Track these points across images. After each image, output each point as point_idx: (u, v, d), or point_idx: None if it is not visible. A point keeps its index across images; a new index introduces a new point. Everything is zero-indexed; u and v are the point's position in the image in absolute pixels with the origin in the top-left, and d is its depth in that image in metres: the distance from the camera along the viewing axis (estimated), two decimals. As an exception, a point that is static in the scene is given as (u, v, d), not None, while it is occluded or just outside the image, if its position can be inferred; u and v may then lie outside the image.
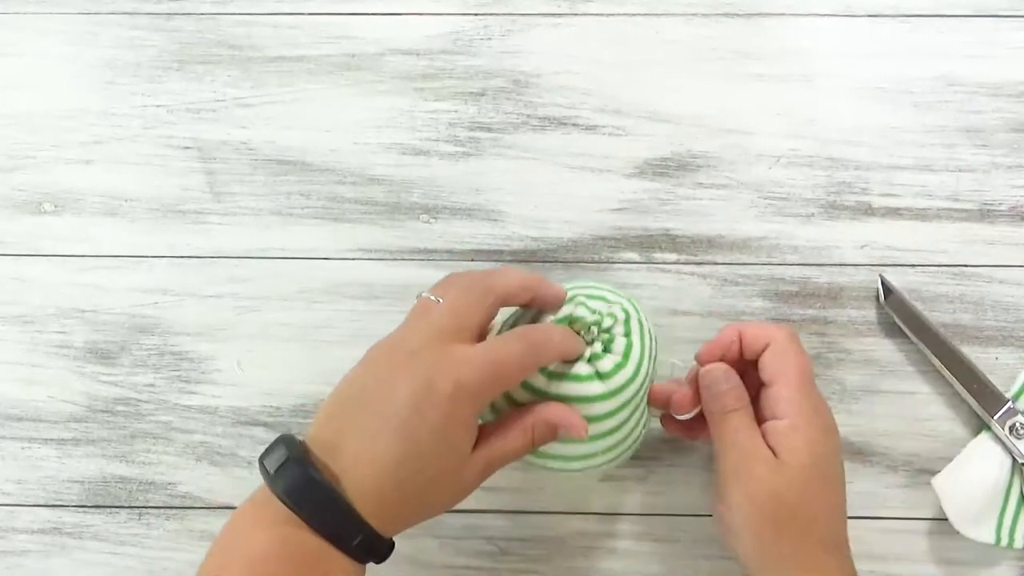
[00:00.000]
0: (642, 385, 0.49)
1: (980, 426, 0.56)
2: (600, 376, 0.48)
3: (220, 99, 0.61)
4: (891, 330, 0.57)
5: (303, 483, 0.41)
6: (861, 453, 0.57)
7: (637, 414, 0.50)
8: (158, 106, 0.61)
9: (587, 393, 0.48)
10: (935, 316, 0.57)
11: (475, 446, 0.45)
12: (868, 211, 0.58)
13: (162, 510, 0.57)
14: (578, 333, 0.48)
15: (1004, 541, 0.54)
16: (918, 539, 0.56)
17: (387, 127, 0.60)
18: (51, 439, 0.58)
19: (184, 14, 0.61)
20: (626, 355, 0.48)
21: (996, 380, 0.55)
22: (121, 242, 0.60)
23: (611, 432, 0.49)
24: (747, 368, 0.50)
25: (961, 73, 0.59)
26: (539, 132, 0.59)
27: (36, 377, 0.59)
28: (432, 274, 0.58)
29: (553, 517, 0.57)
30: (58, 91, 0.61)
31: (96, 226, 0.60)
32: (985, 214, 0.58)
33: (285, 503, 0.41)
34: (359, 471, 0.42)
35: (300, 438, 0.44)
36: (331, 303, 0.59)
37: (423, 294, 0.47)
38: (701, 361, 0.50)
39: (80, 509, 0.58)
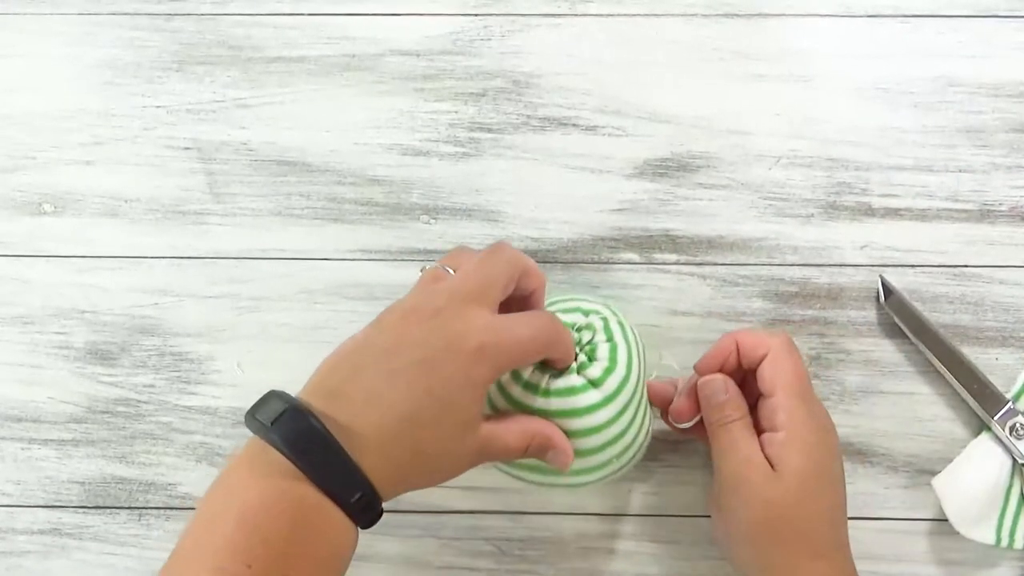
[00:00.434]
0: (637, 384, 0.49)
1: (980, 427, 0.56)
2: (594, 384, 0.48)
3: (220, 100, 0.61)
4: (891, 331, 0.57)
5: (305, 433, 0.40)
6: (861, 454, 0.57)
7: (640, 415, 0.50)
8: (158, 107, 0.61)
9: (586, 404, 0.48)
10: (935, 317, 0.57)
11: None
12: (868, 212, 0.58)
13: (162, 511, 0.57)
14: None
15: (1004, 542, 0.54)
16: (918, 540, 0.56)
17: (387, 127, 0.60)
18: (51, 440, 0.58)
19: (184, 15, 0.61)
20: (613, 358, 0.48)
21: (996, 381, 0.55)
22: (121, 243, 0.60)
23: (618, 438, 0.49)
24: (746, 376, 0.50)
25: (961, 73, 0.59)
26: (539, 133, 0.59)
27: (36, 378, 0.59)
28: (432, 275, 0.58)
29: (553, 517, 0.57)
30: (58, 92, 0.61)
31: (96, 227, 0.60)
32: (985, 214, 0.58)
33: (284, 453, 0.39)
34: (364, 419, 0.41)
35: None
36: (331, 303, 0.59)
37: (430, 265, 0.47)
38: (700, 372, 0.51)
39: (80, 510, 0.58)
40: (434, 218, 0.59)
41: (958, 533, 0.54)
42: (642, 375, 0.50)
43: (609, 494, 0.57)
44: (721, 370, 0.50)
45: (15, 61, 0.61)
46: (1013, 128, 0.59)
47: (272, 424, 0.40)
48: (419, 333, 0.43)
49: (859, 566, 0.48)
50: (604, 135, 0.59)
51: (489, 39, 0.60)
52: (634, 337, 0.50)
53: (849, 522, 0.49)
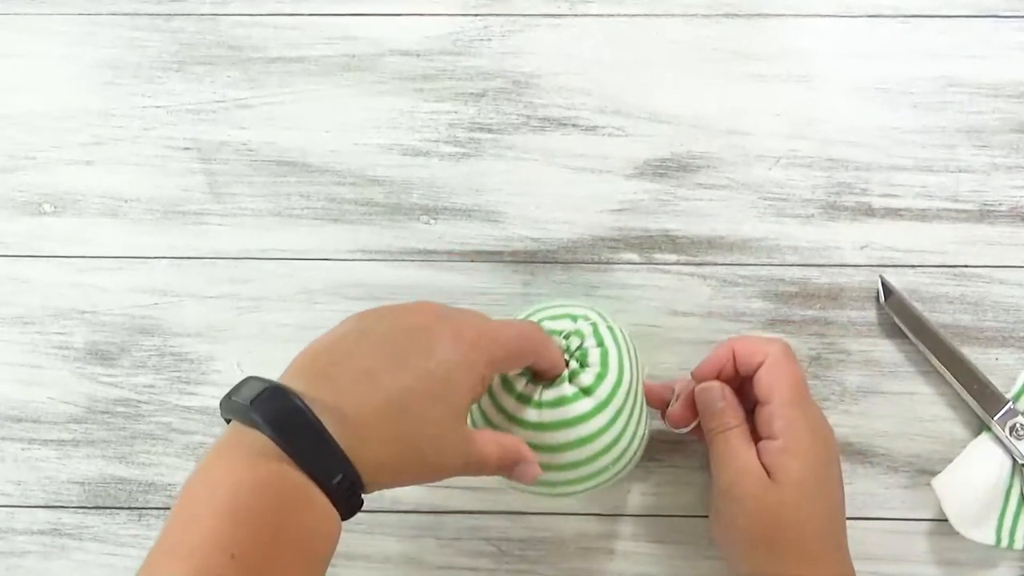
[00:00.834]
0: (630, 387, 0.49)
1: (980, 427, 0.56)
2: (586, 392, 0.48)
3: (220, 100, 0.60)
4: (891, 331, 0.57)
5: (285, 410, 0.39)
6: (861, 454, 0.57)
7: (635, 418, 0.50)
8: (158, 107, 0.61)
9: (579, 412, 0.48)
10: (935, 317, 0.57)
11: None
12: (868, 212, 0.58)
13: (162, 511, 0.57)
14: None
15: (1004, 542, 0.54)
16: (918, 540, 0.56)
17: (387, 128, 0.60)
18: (51, 440, 0.58)
19: (184, 15, 0.61)
20: (604, 364, 0.48)
21: (996, 381, 0.55)
22: (121, 243, 0.60)
23: (612, 445, 0.49)
24: (743, 382, 0.50)
25: (961, 73, 0.59)
26: (539, 133, 0.59)
27: (36, 378, 0.59)
28: (432, 275, 0.58)
29: (553, 518, 0.57)
30: (58, 92, 0.61)
31: (96, 227, 0.60)
32: (985, 215, 0.58)
33: (265, 432, 0.38)
34: (350, 399, 0.40)
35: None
36: (331, 304, 0.59)
37: None
38: (697, 379, 0.51)
39: (80, 510, 0.58)
40: (434, 218, 0.59)
41: (958, 533, 0.53)
42: (635, 378, 0.50)
43: (609, 494, 0.57)
44: (718, 377, 0.50)
45: (15, 61, 0.61)
46: (1013, 128, 0.59)
47: (252, 403, 0.39)
48: (417, 317, 0.43)
49: (859, 566, 0.48)
50: (604, 135, 0.59)
51: (489, 39, 0.60)
52: (625, 340, 0.50)
53: (849, 522, 0.49)
